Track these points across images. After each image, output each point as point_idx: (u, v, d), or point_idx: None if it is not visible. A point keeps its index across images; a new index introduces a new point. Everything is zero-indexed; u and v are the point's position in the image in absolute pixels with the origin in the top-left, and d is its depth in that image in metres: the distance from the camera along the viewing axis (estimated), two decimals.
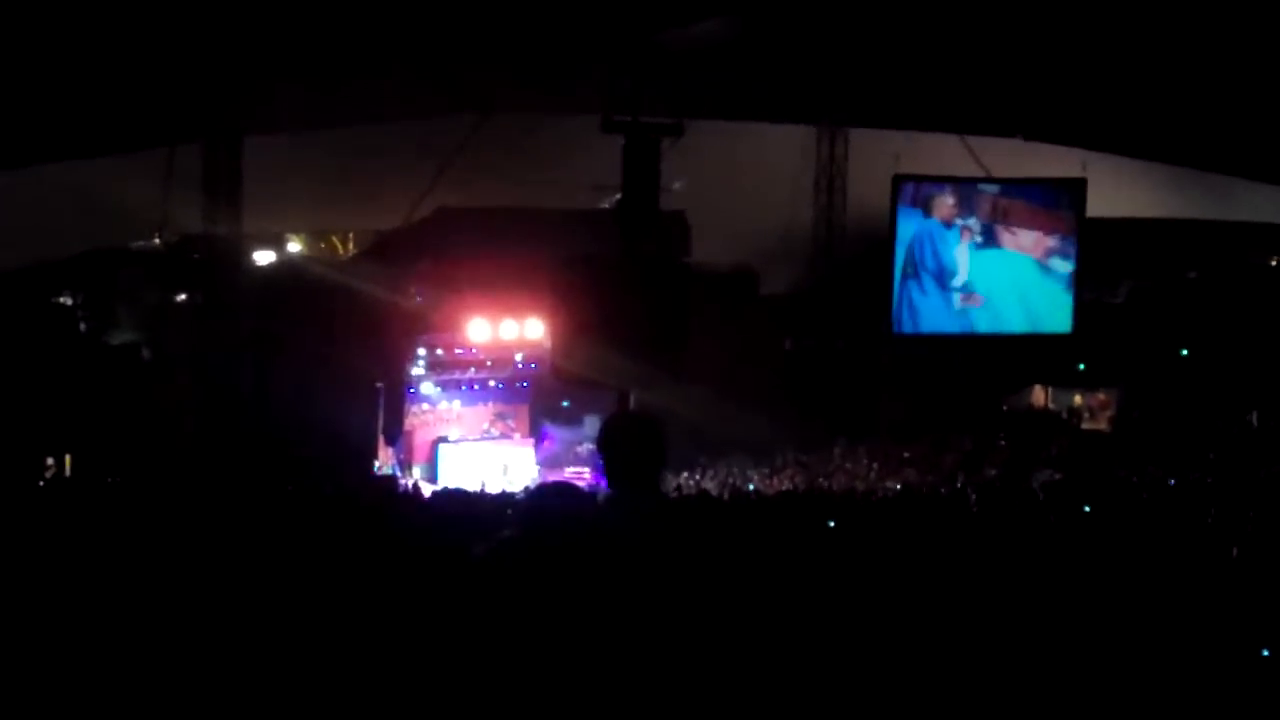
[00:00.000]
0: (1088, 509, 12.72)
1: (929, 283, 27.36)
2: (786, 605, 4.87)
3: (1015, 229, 27.24)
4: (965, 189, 27.37)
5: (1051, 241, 27.31)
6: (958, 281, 27.30)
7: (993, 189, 27.46)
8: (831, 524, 10.40)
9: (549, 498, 3.98)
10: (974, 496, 15.16)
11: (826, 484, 25.47)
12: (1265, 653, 5.50)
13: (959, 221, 27.14)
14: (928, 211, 27.10)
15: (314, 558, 6.78)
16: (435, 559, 4.83)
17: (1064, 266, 27.41)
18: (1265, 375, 24.41)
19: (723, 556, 4.14)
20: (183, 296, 28.02)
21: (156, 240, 28.90)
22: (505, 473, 27.19)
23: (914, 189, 27.15)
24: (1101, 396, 30.41)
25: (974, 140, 28.97)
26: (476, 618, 3.57)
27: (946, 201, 27.11)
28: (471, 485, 24.30)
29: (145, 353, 27.32)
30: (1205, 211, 30.86)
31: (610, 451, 4.13)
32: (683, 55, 22.62)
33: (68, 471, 23.83)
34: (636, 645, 3.54)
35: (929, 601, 6.13)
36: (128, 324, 27.72)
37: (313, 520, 9.97)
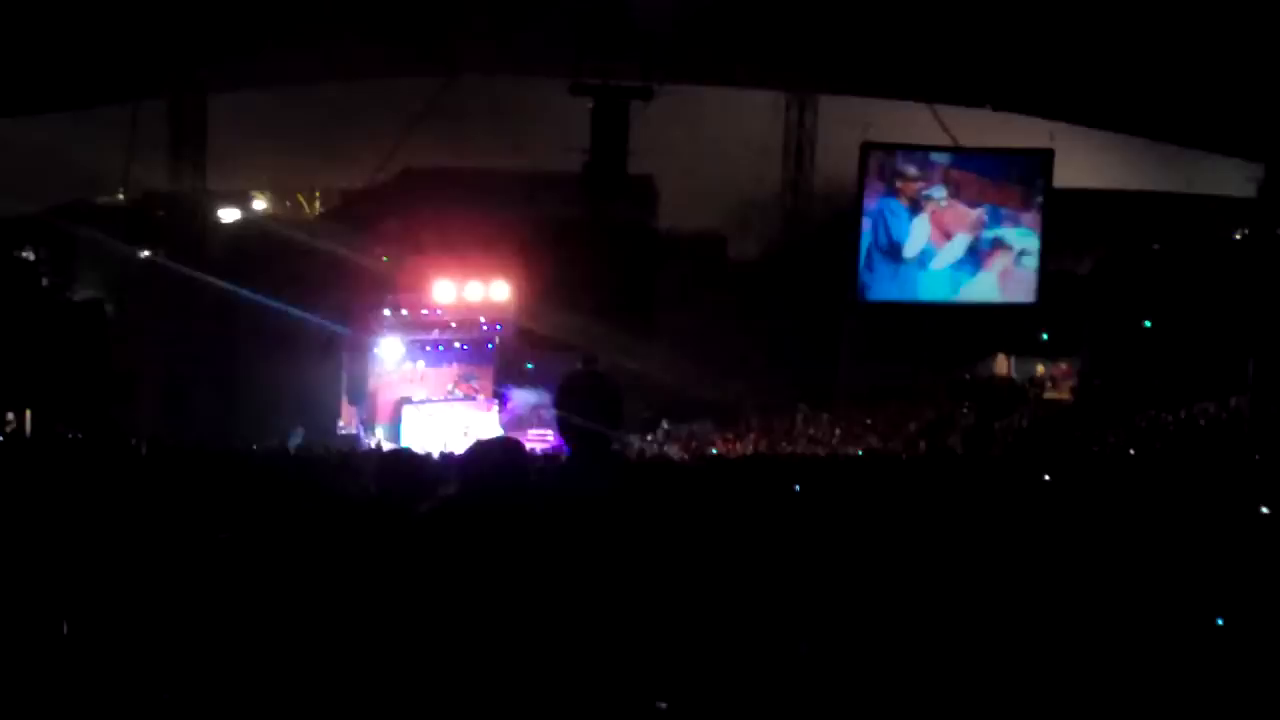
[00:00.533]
0: (1047, 478, 12.81)
1: (891, 252, 27.48)
2: (740, 568, 4.90)
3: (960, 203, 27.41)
4: (921, 158, 27.44)
5: (982, 214, 27.47)
6: (910, 252, 27.42)
7: (945, 158, 27.53)
8: (796, 488, 10.45)
9: (487, 455, 3.98)
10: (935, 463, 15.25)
11: (789, 449, 25.61)
12: (1220, 621, 5.57)
13: (923, 193, 27.23)
14: (891, 185, 27.16)
15: (267, 518, 6.77)
16: (378, 518, 4.82)
17: (1016, 239, 27.58)
18: (1227, 347, 24.57)
19: (677, 519, 4.17)
20: (146, 253, 27.83)
21: (120, 196, 28.68)
22: (466, 434, 27.17)
23: (881, 162, 27.20)
24: (1064, 366, 30.61)
25: (944, 111, 28.99)
26: (418, 576, 3.57)
27: (910, 173, 27.17)
28: (434, 446, 24.31)
29: (108, 309, 27.13)
30: (1171, 184, 31.04)
31: (566, 409, 4.14)
32: (653, 18, 22.54)
33: (28, 427, 23.69)
34: (579, 604, 3.55)
35: (890, 566, 6.17)
36: (91, 280, 27.51)
37: (272, 481, 9.95)
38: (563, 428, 4.12)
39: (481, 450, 4.02)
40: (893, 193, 27.10)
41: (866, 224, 27.19)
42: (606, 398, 4.09)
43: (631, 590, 3.67)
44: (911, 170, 27.14)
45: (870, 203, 27.12)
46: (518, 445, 4.08)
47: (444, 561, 3.59)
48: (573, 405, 4.09)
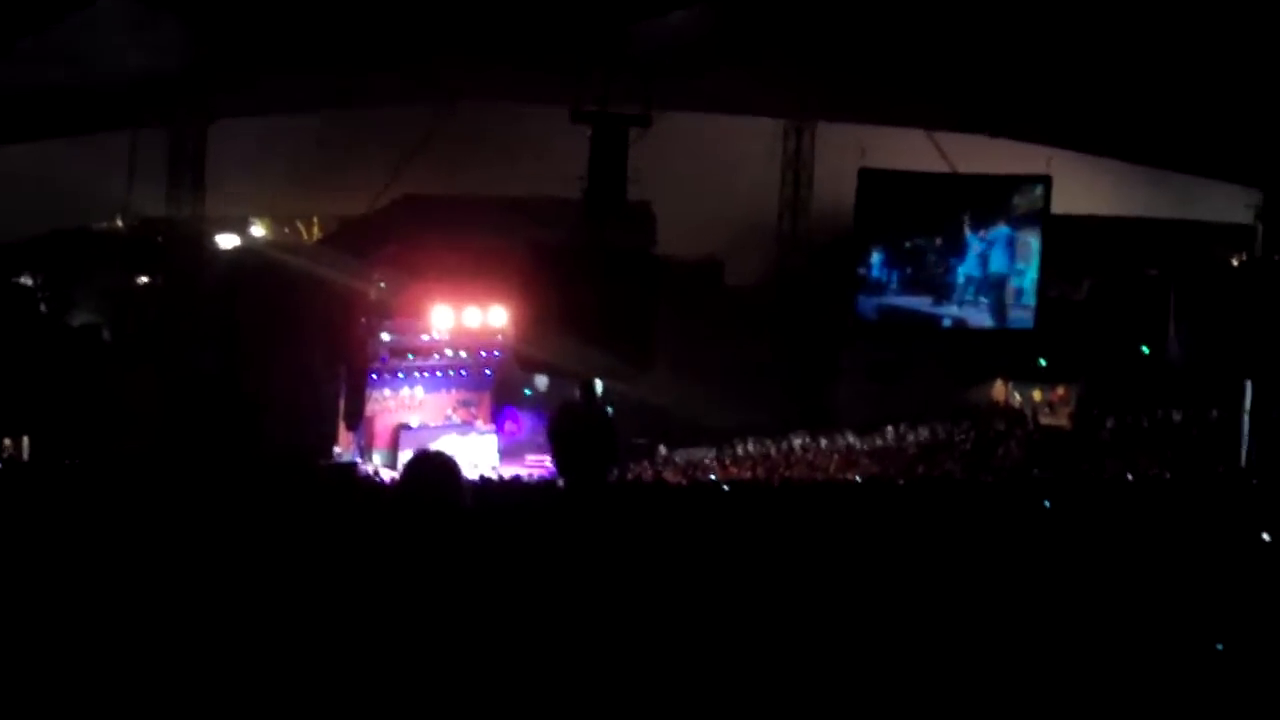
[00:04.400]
0: (1047, 504, 12.80)
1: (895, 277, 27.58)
2: (738, 592, 4.89)
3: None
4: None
5: None
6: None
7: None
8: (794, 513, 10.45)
9: (420, 472, 3.84)
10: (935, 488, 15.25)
11: (787, 474, 25.59)
12: (1219, 647, 5.56)
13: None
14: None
15: (263, 543, 6.76)
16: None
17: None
18: (1225, 373, 24.58)
19: (662, 546, 4.16)
20: (144, 279, 27.84)
21: (119, 223, 28.71)
22: (476, 467, 27.18)
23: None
24: (1060, 391, 30.59)
25: (940, 136, 29.09)
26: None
27: None
28: None
29: (106, 335, 27.14)
30: (1168, 210, 31.08)
31: (558, 444, 4.12)
32: (653, 47, 22.59)
33: (25, 454, 23.67)
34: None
35: (889, 591, 6.16)
36: (88, 306, 27.53)
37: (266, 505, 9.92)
38: (557, 461, 4.10)
39: (419, 466, 3.89)
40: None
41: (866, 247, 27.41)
42: (599, 433, 4.06)
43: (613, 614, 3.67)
44: None
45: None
46: (449, 464, 3.91)
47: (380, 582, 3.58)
48: (564, 440, 4.06)
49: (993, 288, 27.65)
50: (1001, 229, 27.44)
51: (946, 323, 27.73)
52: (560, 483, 4.17)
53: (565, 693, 3.54)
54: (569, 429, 4.15)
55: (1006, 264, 27.62)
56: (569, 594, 3.60)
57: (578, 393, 8.18)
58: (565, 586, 3.62)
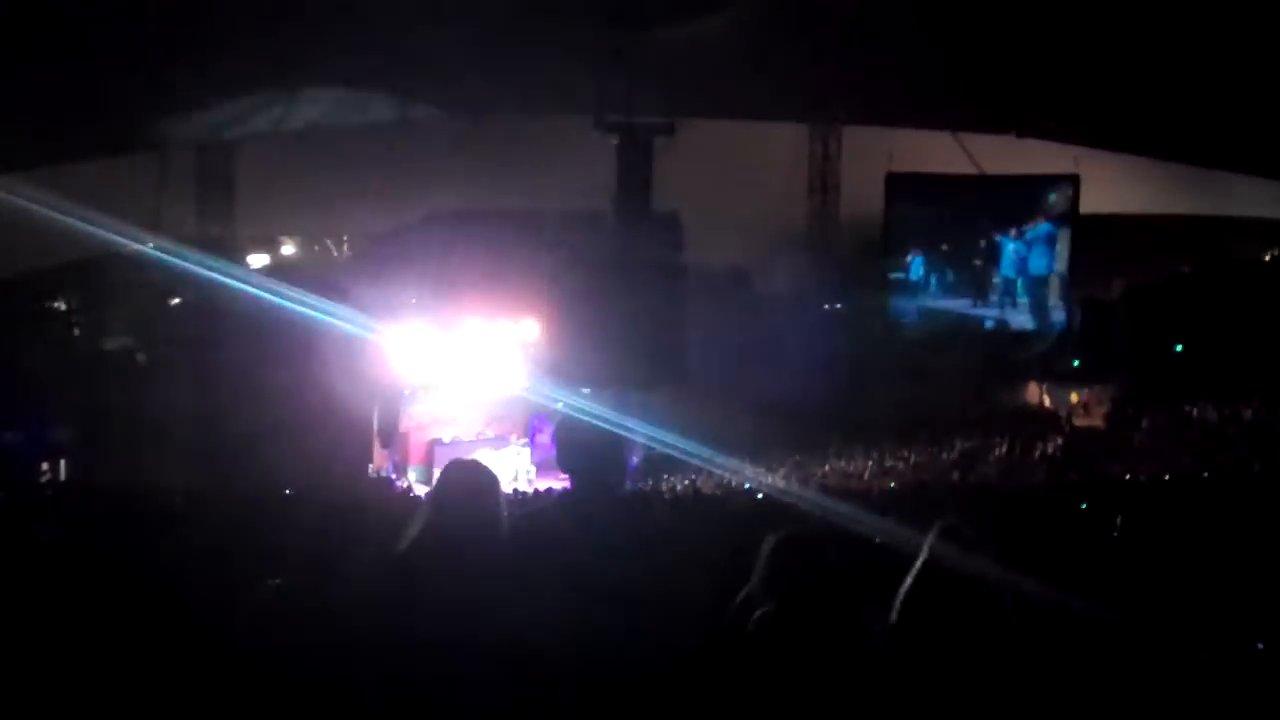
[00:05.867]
0: (1084, 506, 12.72)
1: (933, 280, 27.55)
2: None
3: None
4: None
5: None
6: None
7: None
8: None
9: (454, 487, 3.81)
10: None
11: (823, 481, 25.49)
12: (1260, 646, 5.52)
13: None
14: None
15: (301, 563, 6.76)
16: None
17: None
18: (1260, 370, 24.40)
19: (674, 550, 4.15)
20: (176, 300, 27.96)
21: (150, 245, 28.86)
22: (515, 480, 27.19)
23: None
24: (1097, 392, 30.42)
25: (967, 137, 28.97)
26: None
27: None
28: None
29: (140, 357, 27.27)
30: (1197, 207, 30.88)
31: (566, 463, 4.12)
32: (676, 55, 22.60)
33: (62, 475, 23.79)
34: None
35: (922, 600, 6.12)
36: (122, 328, 27.67)
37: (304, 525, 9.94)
38: (571, 477, 4.11)
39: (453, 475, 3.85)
40: None
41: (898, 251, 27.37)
42: (607, 450, 4.04)
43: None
44: None
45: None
46: (492, 474, 3.87)
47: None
48: (571, 460, 4.07)
49: (1035, 287, 27.50)
50: (1043, 225, 27.26)
51: (989, 324, 27.63)
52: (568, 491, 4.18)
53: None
54: (573, 439, 4.13)
55: (1047, 262, 27.46)
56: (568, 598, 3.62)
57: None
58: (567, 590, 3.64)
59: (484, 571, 3.56)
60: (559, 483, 26.04)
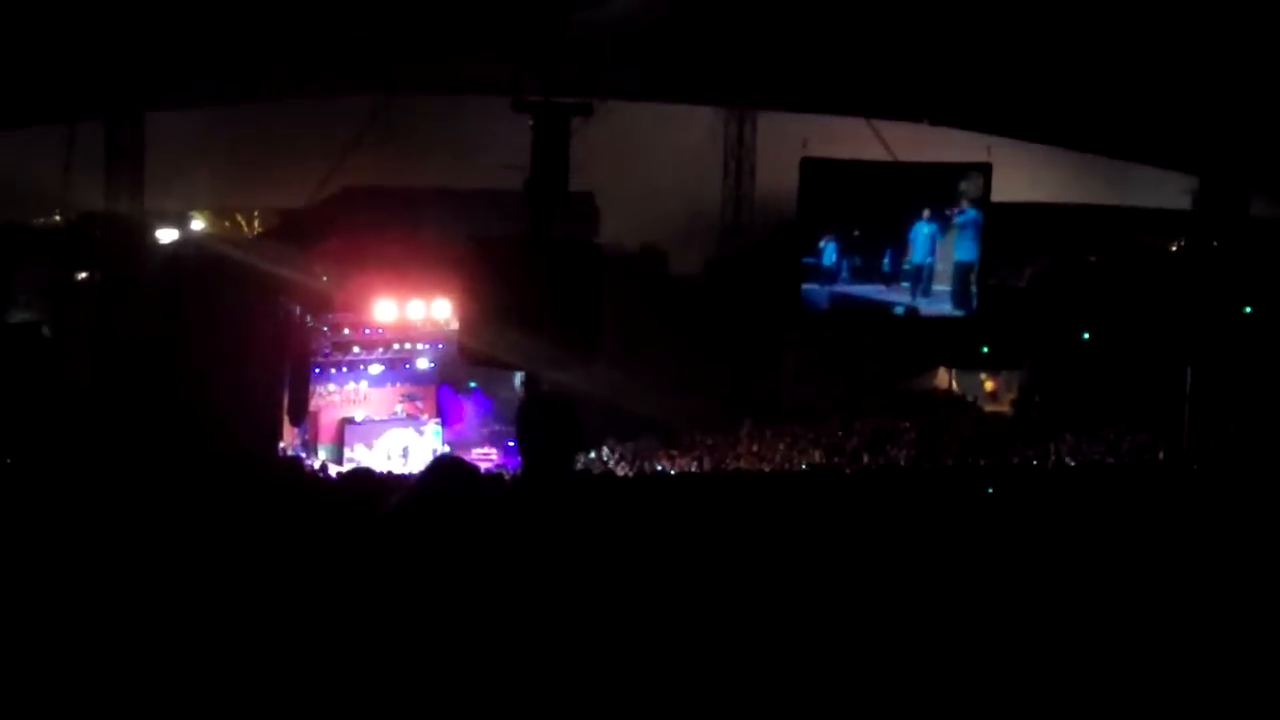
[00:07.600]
0: (990, 490, 12.90)
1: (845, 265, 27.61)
2: (691, 582, 4.88)
3: None
4: None
5: None
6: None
7: None
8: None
9: (443, 479, 3.91)
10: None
11: (734, 465, 25.62)
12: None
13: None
14: None
15: (221, 536, 6.70)
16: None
17: None
18: (1164, 358, 24.83)
19: (627, 535, 4.15)
20: (83, 275, 27.46)
21: (57, 218, 28.32)
22: (406, 455, 27.10)
23: None
24: (1002, 379, 30.81)
25: (881, 124, 29.16)
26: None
27: None
28: (378, 466, 24.13)
29: (45, 331, 26.75)
30: (1105, 196, 31.37)
31: (526, 433, 4.13)
32: (594, 35, 22.54)
33: None
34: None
35: (835, 578, 6.17)
36: (26, 303, 27.11)
37: (219, 498, 9.83)
38: (523, 450, 4.11)
39: (440, 472, 3.96)
40: None
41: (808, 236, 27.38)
42: (566, 422, 4.08)
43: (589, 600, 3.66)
44: None
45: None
46: (474, 471, 4.02)
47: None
48: (533, 429, 4.08)
49: (961, 273, 27.60)
50: (970, 212, 27.35)
51: (899, 310, 27.73)
52: (509, 475, 4.19)
53: (549, 690, 3.55)
54: (537, 420, 4.14)
55: (973, 247, 27.54)
56: (538, 587, 3.60)
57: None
58: (532, 579, 3.62)
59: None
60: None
